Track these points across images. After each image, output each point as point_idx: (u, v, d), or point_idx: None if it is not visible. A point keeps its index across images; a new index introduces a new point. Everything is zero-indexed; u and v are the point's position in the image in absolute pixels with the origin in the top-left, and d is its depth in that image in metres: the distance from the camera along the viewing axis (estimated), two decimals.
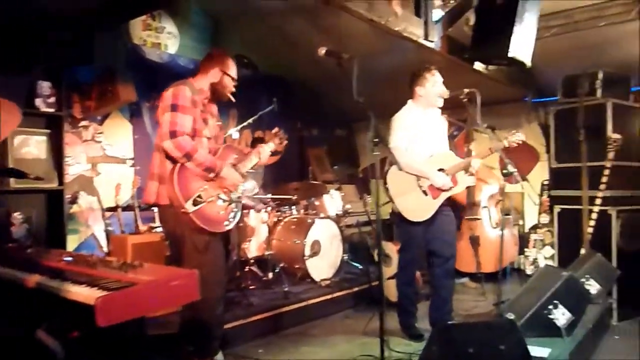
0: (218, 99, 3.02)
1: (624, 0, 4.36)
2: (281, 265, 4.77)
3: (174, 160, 2.68)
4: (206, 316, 2.71)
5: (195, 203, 2.63)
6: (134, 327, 1.92)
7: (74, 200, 4.53)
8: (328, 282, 4.79)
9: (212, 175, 2.70)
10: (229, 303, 4.03)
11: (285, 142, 3.39)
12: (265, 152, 3.15)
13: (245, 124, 4.72)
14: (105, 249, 4.46)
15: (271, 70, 6.52)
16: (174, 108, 2.69)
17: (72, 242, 4.50)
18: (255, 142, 5.43)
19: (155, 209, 4.26)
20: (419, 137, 3.65)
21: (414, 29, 4.10)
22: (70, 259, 2.33)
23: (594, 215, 4.27)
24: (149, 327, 3.23)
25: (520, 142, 3.52)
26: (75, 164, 4.64)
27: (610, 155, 4.27)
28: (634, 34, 4.60)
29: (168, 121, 2.67)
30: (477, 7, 4.29)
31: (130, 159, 5.06)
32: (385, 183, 3.63)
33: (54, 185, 4.11)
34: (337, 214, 5.31)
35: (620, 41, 4.74)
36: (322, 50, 2.72)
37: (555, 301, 3.27)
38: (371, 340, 3.69)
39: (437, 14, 4.37)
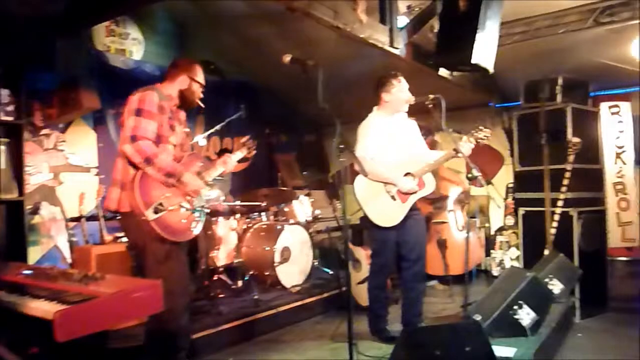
0: (187, 105, 3.00)
1: (580, 9, 4.50)
2: (251, 272, 4.75)
3: (135, 166, 2.64)
4: (171, 327, 2.66)
5: (156, 211, 2.58)
6: (96, 340, 1.87)
7: (35, 211, 4.40)
8: (298, 288, 4.78)
9: (172, 180, 2.66)
10: (197, 312, 3.99)
11: (254, 150, 3.37)
12: (231, 162, 3.14)
13: (212, 130, 4.68)
14: (68, 261, 4.35)
15: (238, 76, 6.50)
16: (139, 113, 2.65)
17: (34, 254, 4.37)
18: (222, 152, 5.37)
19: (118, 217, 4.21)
20: (387, 144, 3.69)
21: (380, 36, 4.14)
22: (29, 272, 2.27)
23: (557, 217, 4.39)
24: (113, 339, 3.17)
25: (487, 137, 3.58)
26: (37, 174, 4.52)
27: (571, 158, 4.40)
28: (591, 41, 4.76)
29: (131, 126, 2.62)
30: (441, 15, 4.36)
31: (94, 167, 4.96)
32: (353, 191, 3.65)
33: (13, 196, 3.98)
34: (307, 220, 5.32)
35: (578, 48, 4.91)
36: (287, 58, 2.73)
37: (520, 301, 3.36)
38: (341, 345, 3.69)
39: (402, 21, 4.43)
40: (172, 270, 2.66)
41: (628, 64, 4.90)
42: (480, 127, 3.60)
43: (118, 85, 4.91)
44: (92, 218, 4.30)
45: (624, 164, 5.01)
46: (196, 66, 2.99)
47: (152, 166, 2.59)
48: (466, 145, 3.54)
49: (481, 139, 3.58)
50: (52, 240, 4.56)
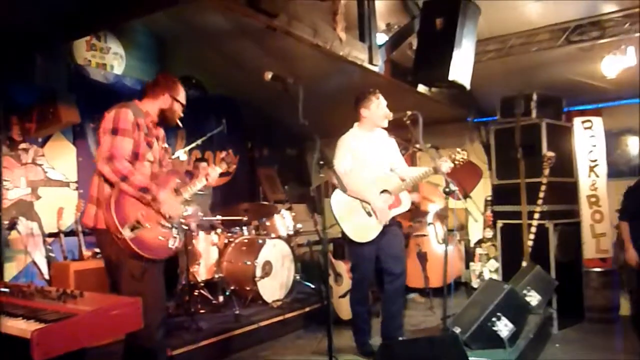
0: (166, 123, 2.99)
1: (552, 27, 4.64)
2: (232, 287, 4.71)
3: (112, 184, 2.63)
4: (146, 343, 2.63)
5: (133, 229, 2.57)
6: (74, 358, 1.85)
7: (12, 226, 4.34)
8: (280, 302, 4.76)
9: (148, 197, 2.66)
10: (178, 328, 3.95)
11: (234, 165, 3.37)
12: (212, 177, 3.12)
13: (194, 145, 4.67)
14: (46, 277, 4.28)
15: (220, 90, 6.52)
16: (114, 132, 2.64)
17: (9, 270, 4.30)
18: (198, 162, 5.36)
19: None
20: (364, 160, 3.72)
21: (359, 53, 4.20)
22: (5, 289, 2.23)
23: (533, 229, 4.47)
24: (91, 357, 3.11)
25: (464, 160, 3.64)
26: (14, 188, 4.45)
27: (546, 171, 4.50)
28: (563, 58, 4.91)
29: (107, 145, 2.62)
30: (419, 33, 4.46)
31: (73, 182, 4.91)
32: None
33: None
34: (288, 234, 5.31)
35: (550, 65, 5.05)
36: (269, 75, 2.74)
37: (498, 313, 3.41)
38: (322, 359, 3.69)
39: (381, 38, 4.51)
40: (149, 288, 2.64)
41: (598, 80, 5.06)
42: (458, 150, 3.65)
43: (98, 99, 4.88)
44: (71, 233, 4.24)
45: (597, 176, 5.13)
46: (179, 85, 2.98)
47: (128, 183, 2.60)
48: (445, 164, 3.60)
49: (458, 161, 3.63)
50: (29, 256, 4.48)
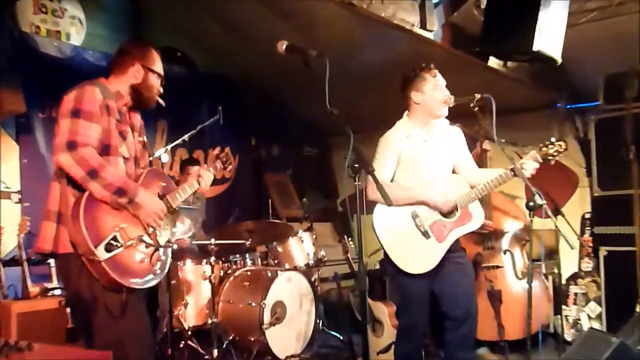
0: (142, 104, 3.03)
1: None
2: (230, 337, 4.72)
3: (77, 187, 2.66)
4: None
5: (109, 248, 2.59)
6: None
7: None
8: (296, 359, 4.76)
9: (124, 201, 2.69)
10: None
11: (233, 166, 3.39)
12: (207, 179, 3.15)
13: (179, 141, 4.68)
14: None
15: (214, 68, 6.56)
16: (76, 113, 2.67)
17: None
18: (187, 164, 5.39)
19: (52, 262, 4.18)
20: (417, 165, 3.71)
21: (407, 15, 4.20)
22: None
23: None
24: None
25: (560, 154, 3.57)
26: None
27: None
28: None
29: (66, 130, 2.64)
30: None
31: (15, 192, 4.96)
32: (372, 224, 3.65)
33: None
34: (308, 264, 5.29)
35: None
36: (283, 46, 2.76)
37: None
38: None
39: None
40: (132, 328, 2.67)
41: None
42: (552, 140, 3.58)
43: (51, 79, 4.95)
44: (12, 262, 4.30)
45: None
46: (152, 52, 3.03)
47: (99, 181, 2.62)
48: (528, 163, 3.55)
49: (552, 155, 3.57)
50: None
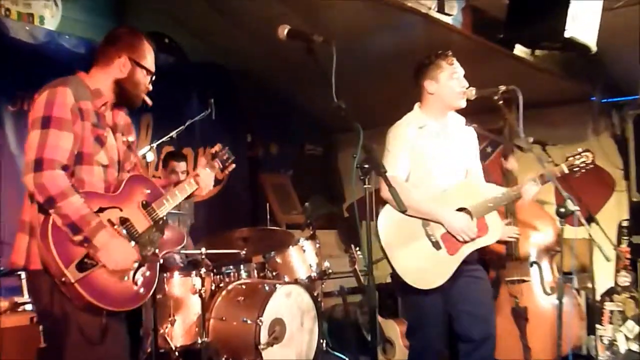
0: (127, 104, 3.00)
1: None
2: (223, 358, 4.69)
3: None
4: None
5: (81, 267, 2.56)
6: None
7: None
8: None
9: (78, 238, 2.61)
10: None
11: (231, 165, 3.36)
12: (206, 179, 3.12)
13: (166, 138, 4.67)
14: None
15: (205, 56, 6.56)
16: (46, 123, 2.63)
17: None
18: (171, 158, 5.35)
19: (23, 273, 4.17)
20: (430, 161, 3.68)
21: None
22: None
23: None
24: None
25: (587, 166, 3.57)
26: None
27: None
28: None
29: (34, 145, 2.60)
30: None
31: None
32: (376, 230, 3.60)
33: None
34: (310, 277, 5.27)
35: None
36: (284, 31, 2.73)
37: None
38: None
39: None
40: (109, 353, 2.66)
41: None
42: (579, 151, 3.59)
43: (22, 67, 4.93)
44: None
45: None
46: (143, 43, 2.97)
47: (56, 210, 2.58)
48: (529, 187, 3.60)
49: (578, 167, 3.58)
50: None
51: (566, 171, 3.56)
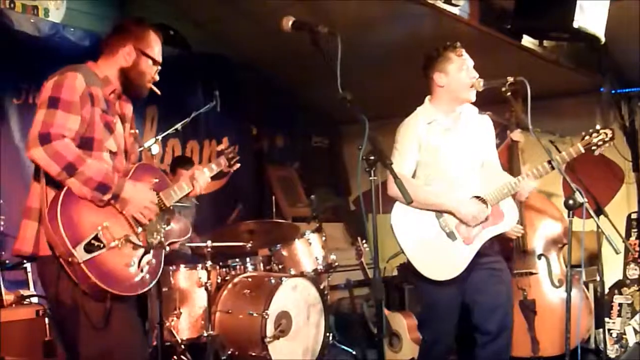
0: (132, 93, 3.02)
1: None
2: (229, 352, 4.71)
3: (58, 185, 2.62)
4: None
5: (89, 249, 2.57)
6: None
7: None
8: None
9: (107, 197, 2.67)
10: None
11: (236, 165, 3.39)
12: (204, 180, 3.14)
13: (171, 130, 4.67)
14: None
15: (210, 47, 6.55)
16: (53, 103, 2.63)
17: None
18: (178, 164, 5.37)
19: (29, 266, 4.19)
20: (441, 157, 3.69)
21: None
22: None
23: None
24: None
25: (606, 143, 3.55)
26: None
27: None
28: None
29: (40, 121, 2.62)
30: None
31: None
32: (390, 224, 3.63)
33: None
34: (316, 270, 5.29)
35: None
36: (289, 22, 2.74)
37: None
38: None
39: None
40: (119, 340, 2.67)
41: None
42: (598, 128, 3.57)
43: (27, 60, 4.94)
44: None
45: None
46: (149, 33, 2.99)
47: (77, 176, 2.59)
48: (525, 181, 3.57)
49: (597, 145, 3.55)
50: None
51: (582, 151, 3.54)
